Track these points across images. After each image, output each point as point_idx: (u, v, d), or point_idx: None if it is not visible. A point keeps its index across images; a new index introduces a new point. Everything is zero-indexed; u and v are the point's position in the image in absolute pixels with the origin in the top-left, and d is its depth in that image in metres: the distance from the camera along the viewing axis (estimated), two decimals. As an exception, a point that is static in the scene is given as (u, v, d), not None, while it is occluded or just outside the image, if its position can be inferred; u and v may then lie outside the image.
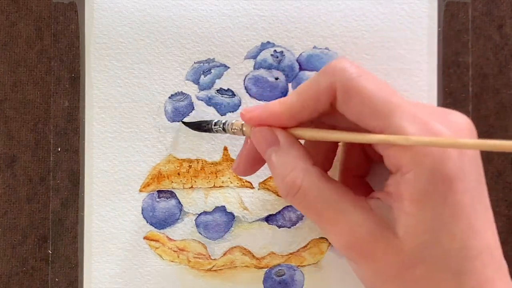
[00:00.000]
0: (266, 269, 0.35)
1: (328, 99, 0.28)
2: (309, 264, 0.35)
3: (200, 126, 0.34)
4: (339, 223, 0.27)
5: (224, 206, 0.35)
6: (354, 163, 0.32)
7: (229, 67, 0.35)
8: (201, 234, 0.35)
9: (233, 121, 0.31)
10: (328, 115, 0.29)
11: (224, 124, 0.32)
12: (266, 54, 0.35)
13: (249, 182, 0.35)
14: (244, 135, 0.31)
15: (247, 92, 0.35)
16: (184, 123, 0.35)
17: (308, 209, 0.28)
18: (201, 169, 0.35)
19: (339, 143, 0.33)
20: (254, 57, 0.35)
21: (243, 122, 0.31)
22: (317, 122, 0.30)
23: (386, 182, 0.28)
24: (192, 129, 0.34)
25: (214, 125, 0.32)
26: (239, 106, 0.35)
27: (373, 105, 0.26)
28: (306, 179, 0.28)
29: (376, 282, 0.28)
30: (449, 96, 0.35)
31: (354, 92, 0.27)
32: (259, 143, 0.30)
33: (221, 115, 0.35)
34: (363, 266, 0.27)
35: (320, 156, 0.32)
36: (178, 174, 0.35)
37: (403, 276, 0.26)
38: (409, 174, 0.25)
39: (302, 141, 0.30)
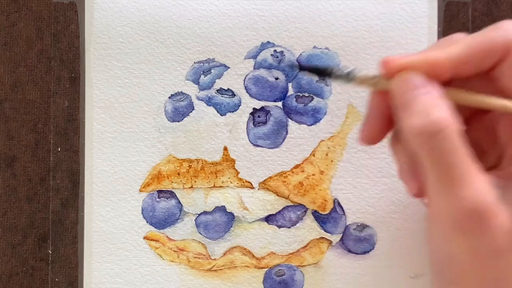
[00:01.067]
0: (266, 269, 0.35)
1: (498, 55, 0.25)
2: (309, 264, 0.35)
3: (321, 71, 0.29)
4: (467, 184, 0.24)
5: (224, 206, 0.35)
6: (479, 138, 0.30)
7: (229, 67, 0.35)
8: (201, 234, 0.35)
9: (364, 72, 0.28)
10: (479, 77, 0.26)
11: (350, 72, 0.28)
12: (266, 54, 0.35)
13: (249, 182, 0.35)
14: (374, 88, 0.27)
15: (247, 92, 0.35)
16: (301, 66, 0.32)
17: (440, 156, 0.25)
18: (201, 169, 0.35)
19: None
20: (254, 57, 0.35)
21: (376, 74, 0.27)
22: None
23: (500, 165, 0.26)
24: (310, 72, 0.31)
25: (337, 72, 0.28)
26: (239, 106, 0.35)
27: None
28: (452, 125, 0.24)
29: (475, 259, 0.25)
30: (449, 96, 0.35)
31: None
32: (404, 87, 0.26)
33: (221, 115, 0.35)
34: (474, 237, 0.25)
35: None
36: (178, 174, 0.35)
37: (500, 256, 0.25)
38: None
39: None
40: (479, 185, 0.25)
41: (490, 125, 0.29)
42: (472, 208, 0.24)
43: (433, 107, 0.25)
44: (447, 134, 0.25)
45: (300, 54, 0.35)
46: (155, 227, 0.35)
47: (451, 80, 0.27)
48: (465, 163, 0.25)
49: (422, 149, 0.25)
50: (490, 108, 0.27)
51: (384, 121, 0.28)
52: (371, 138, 0.29)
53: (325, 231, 0.35)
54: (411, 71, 0.26)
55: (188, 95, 0.35)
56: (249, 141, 0.35)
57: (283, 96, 0.35)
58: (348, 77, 0.28)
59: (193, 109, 0.35)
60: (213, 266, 0.35)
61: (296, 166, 0.35)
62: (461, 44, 0.26)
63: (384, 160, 0.35)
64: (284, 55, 0.35)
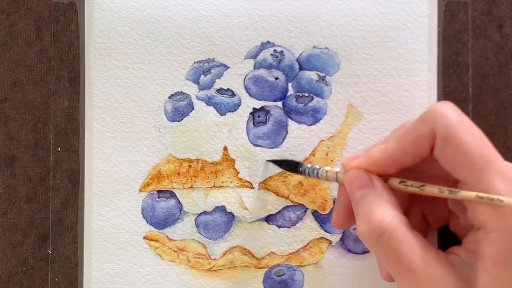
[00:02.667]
0: (266, 269, 0.35)
1: (429, 145, 0.27)
2: (309, 264, 0.35)
3: (288, 166, 0.34)
4: (420, 274, 0.26)
5: (224, 206, 0.35)
6: (433, 212, 0.32)
7: (229, 67, 0.35)
8: (201, 234, 0.35)
9: (328, 168, 0.31)
10: (422, 162, 0.29)
11: (317, 169, 0.32)
12: (266, 54, 0.35)
13: (249, 182, 0.35)
14: (338, 181, 0.31)
15: (247, 92, 0.35)
16: (268, 161, 0.35)
17: (389, 254, 0.27)
18: (201, 169, 0.35)
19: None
20: (254, 57, 0.35)
21: (337, 170, 0.31)
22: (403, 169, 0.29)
23: (466, 239, 0.28)
24: (277, 165, 0.34)
25: (304, 168, 0.33)
26: (239, 105, 0.35)
27: (468, 157, 0.26)
28: (393, 223, 0.27)
29: None
30: (449, 96, 0.35)
31: (452, 141, 0.26)
32: (352, 184, 0.29)
33: (221, 115, 0.35)
34: None
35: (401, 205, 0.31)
36: (178, 174, 0.35)
37: None
38: (494, 233, 0.25)
39: None
40: (434, 273, 0.26)
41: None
42: None
43: (373, 210, 0.28)
44: (389, 234, 0.27)
45: (300, 54, 0.35)
46: (155, 227, 0.35)
47: (401, 170, 0.29)
48: (414, 256, 0.26)
49: (373, 250, 0.28)
50: (425, 194, 0.28)
51: (351, 210, 0.30)
52: (341, 224, 0.31)
53: (325, 231, 0.35)
54: (356, 170, 0.30)
55: (188, 95, 0.35)
56: (249, 141, 0.35)
57: (283, 96, 0.35)
58: (317, 174, 0.32)
59: (193, 109, 0.35)
60: (213, 266, 0.35)
61: (296, 166, 0.35)
62: (394, 141, 0.29)
63: (384, 160, 0.35)
64: (284, 55, 0.35)
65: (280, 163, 0.34)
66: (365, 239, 0.28)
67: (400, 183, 0.29)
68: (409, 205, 0.32)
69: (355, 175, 0.29)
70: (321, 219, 0.35)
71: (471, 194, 0.26)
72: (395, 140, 0.29)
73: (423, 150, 0.28)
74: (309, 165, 0.32)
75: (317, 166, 0.32)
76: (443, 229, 0.33)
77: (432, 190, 0.28)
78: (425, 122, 0.27)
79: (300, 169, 0.33)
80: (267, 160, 0.35)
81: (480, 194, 0.26)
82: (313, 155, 0.35)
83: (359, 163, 0.30)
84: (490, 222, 0.25)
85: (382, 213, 0.27)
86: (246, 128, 0.35)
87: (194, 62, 0.35)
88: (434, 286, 0.26)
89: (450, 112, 0.27)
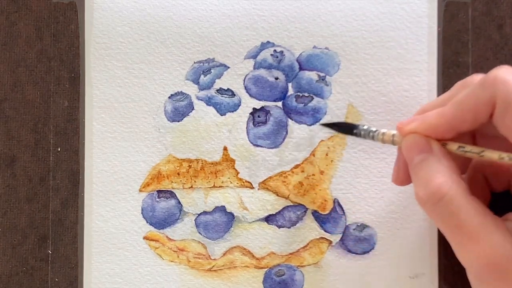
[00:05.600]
0: (266, 269, 0.35)
1: (489, 111, 0.27)
2: (309, 264, 0.35)
3: (342, 128, 0.33)
4: (480, 240, 0.26)
5: (224, 206, 0.35)
6: (495, 177, 0.32)
7: (229, 67, 0.35)
8: (201, 234, 0.35)
9: (384, 130, 0.31)
10: (482, 127, 0.28)
11: (373, 132, 0.31)
12: (266, 54, 0.35)
13: (249, 182, 0.35)
14: (394, 144, 0.31)
15: (247, 92, 0.35)
16: (322, 124, 0.34)
17: (448, 219, 0.27)
18: (201, 169, 0.35)
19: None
20: (254, 57, 0.35)
21: (394, 132, 0.30)
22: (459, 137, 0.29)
23: None
24: (334, 130, 0.33)
25: (360, 130, 0.31)
26: (239, 105, 0.35)
27: None
28: (453, 188, 0.27)
29: None
30: (449, 96, 0.35)
31: None
32: (410, 149, 0.29)
33: (221, 115, 0.35)
34: None
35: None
36: (178, 174, 0.35)
37: None
38: None
39: None
40: (493, 239, 0.26)
41: None
42: (490, 263, 0.26)
43: (432, 175, 0.27)
44: (448, 199, 0.27)
45: (300, 54, 0.35)
46: (155, 227, 0.35)
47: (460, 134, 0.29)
48: (474, 221, 0.26)
49: (431, 215, 0.28)
50: (485, 159, 0.28)
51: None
52: (401, 181, 0.31)
53: (325, 231, 0.35)
54: (414, 134, 0.29)
55: (188, 95, 0.35)
56: (249, 141, 0.35)
57: (283, 96, 0.35)
58: (373, 137, 0.31)
59: (193, 109, 0.35)
60: (213, 266, 0.35)
61: (296, 166, 0.35)
62: (452, 105, 0.28)
63: (384, 160, 0.35)
64: (284, 55, 0.35)
65: (333, 125, 0.33)
66: (424, 204, 0.28)
67: (458, 148, 0.28)
68: (470, 169, 0.32)
69: (413, 139, 0.29)
70: (321, 219, 0.35)
71: None
72: (453, 105, 0.28)
73: (482, 116, 0.27)
74: (365, 127, 0.31)
75: (373, 129, 0.31)
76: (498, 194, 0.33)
77: (492, 155, 0.27)
78: (485, 88, 0.27)
79: (356, 131, 0.31)
80: (320, 124, 0.34)
81: None
82: (313, 155, 0.35)
83: (415, 127, 0.29)
84: None
85: (441, 178, 0.27)
86: (246, 128, 0.35)
87: (194, 62, 0.35)
88: (492, 252, 0.26)
89: (511, 78, 0.26)
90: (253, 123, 0.35)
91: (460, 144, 0.28)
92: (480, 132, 0.30)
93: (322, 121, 0.34)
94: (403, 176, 0.31)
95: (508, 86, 0.26)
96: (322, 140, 0.35)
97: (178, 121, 0.35)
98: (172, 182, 0.35)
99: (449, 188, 0.27)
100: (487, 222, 0.26)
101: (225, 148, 0.35)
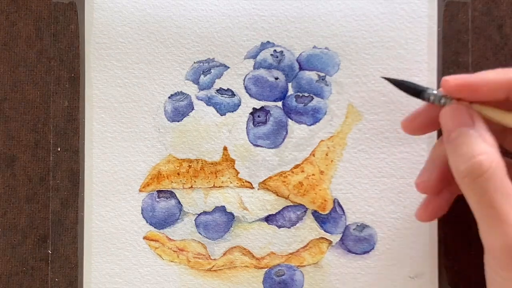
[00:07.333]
0: (266, 269, 0.35)
1: None
2: (309, 264, 0.35)
3: (408, 89, 0.31)
4: (510, 223, 0.26)
5: (224, 206, 0.35)
6: None
7: (229, 67, 0.35)
8: (201, 234, 0.35)
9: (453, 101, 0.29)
10: None
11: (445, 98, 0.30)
12: (266, 54, 0.35)
13: (249, 182, 0.35)
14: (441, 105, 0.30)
15: (247, 92, 0.35)
16: (385, 78, 0.32)
17: (484, 197, 0.26)
18: (200, 169, 0.35)
19: None
20: (254, 57, 0.35)
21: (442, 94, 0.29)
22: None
23: None
24: (395, 85, 0.32)
25: (429, 95, 0.30)
26: (239, 106, 0.35)
27: None
28: (493, 166, 0.26)
29: None
30: (449, 96, 0.35)
31: None
32: (451, 119, 0.28)
33: (221, 115, 0.35)
34: None
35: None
36: (178, 174, 0.35)
37: None
38: None
39: None
40: None
41: None
42: None
43: (475, 149, 0.27)
44: (489, 175, 0.26)
45: (300, 54, 0.35)
46: (155, 227, 0.35)
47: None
48: (508, 203, 0.26)
49: (467, 190, 0.27)
50: None
51: (429, 124, 0.30)
52: (411, 129, 0.31)
53: (325, 231, 0.35)
54: (457, 105, 0.28)
55: (188, 95, 0.35)
56: (249, 141, 0.35)
57: (283, 96, 0.35)
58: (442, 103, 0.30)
59: (192, 109, 0.35)
60: (213, 266, 0.35)
61: (296, 166, 0.35)
62: (496, 72, 0.28)
63: (384, 160, 0.35)
64: (284, 55, 0.35)
65: (399, 83, 0.31)
66: (462, 178, 0.27)
67: None
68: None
69: (455, 110, 0.28)
70: (321, 219, 0.35)
71: None
72: (497, 72, 0.28)
73: None
74: (435, 92, 0.30)
75: (441, 94, 0.30)
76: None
77: None
78: None
79: (425, 95, 0.30)
80: (384, 78, 0.32)
81: None
82: (313, 155, 0.35)
83: (462, 80, 0.28)
84: None
85: (484, 153, 0.27)
86: (246, 128, 0.35)
87: (194, 62, 0.35)
88: None
89: None
90: (253, 123, 0.35)
91: None
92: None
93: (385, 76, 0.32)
94: (418, 125, 0.31)
95: None
96: (322, 140, 0.35)
97: (178, 121, 0.35)
98: (172, 182, 0.35)
99: (490, 165, 0.26)
100: None
101: (225, 148, 0.35)
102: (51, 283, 0.35)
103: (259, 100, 0.35)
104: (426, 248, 0.35)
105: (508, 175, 0.27)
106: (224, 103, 0.35)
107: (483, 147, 0.27)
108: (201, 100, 0.35)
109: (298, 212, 0.35)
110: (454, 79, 0.29)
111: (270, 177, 0.35)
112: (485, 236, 0.27)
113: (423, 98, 0.30)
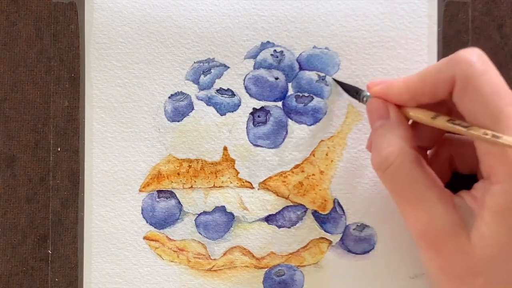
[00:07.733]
0: (266, 269, 0.35)
1: (448, 90, 0.28)
2: (309, 264, 0.35)
3: (347, 90, 0.34)
4: (418, 209, 0.27)
5: (224, 206, 0.35)
6: (461, 158, 0.32)
7: (229, 67, 0.35)
8: (201, 234, 0.35)
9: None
10: (448, 103, 0.29)
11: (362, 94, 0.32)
12: (266, 54, 0.35)
13: (249, 182, 0.35)
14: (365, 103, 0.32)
15: (247, 92, 0.35)
16: (334, 79, 0.35)
17: (393, 187, 0.29)
18: (201, 169, 0.35)
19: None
20: (254, 57, 0.35)
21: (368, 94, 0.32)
22: (436, 107, 0.30)
23: (475, 185, 0.28)
24: (339, 85, 0.34)
25: (363, 96, 0.32)
26: (239, 106, 0.35)
27: (483, 109, 0.26)
28: (400, 158, 0.28)
29: (439, 277, 0.28)
30: (449, 96, 0.35)
31: (470, 91, 0.26)
32: (371, 113, 0.31)
33: (221, 115, 0.35)
34: (429, 257, 0.28)
35: (425, 141, 0.32)
36: (178, 174, 0.35)
37: (464, 280, 0.26)
38: (498, 185, 0.26)
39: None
40: (432, 210, 0.27)
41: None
42: (424, 231, 0.27)
43: (384, 142, 0.29)
44: (395, 167, 0.28)
45: (300, 54, 0.35)
46: (155, 227, 0.35)
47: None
48: (417, 191, 0.27)
49: (381, 181, 0.29)
50: (443, 128, 0.28)
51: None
52: (369, 145, 0.32)
53: (325, 231, 0.35)
54: (376, 99, 0.30)
55: (188, 95, 0.35)
56: (249, 141, 0.35)
57: (283, 96, 0.35)
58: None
59: (193, 109, 0.35)
60: (213, 266, 0.35)
61: (296, 166, 0.35)
62: (417, 76, 0.29)
63: (384, 160, 0.35)
64: (284, 55, 0.35)
65: (341, 84, 0.34)
66: (376, 170, 0.29)
67: (448, 121, 0.28)
68: (438, 144, 0.32)
69: (374, 104, 0.30)
70: (321, 219, 0.35)
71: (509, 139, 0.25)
72: (418, 76, 0.29)
73: (442, 92, 0.28)
74: (368, 94, 0.32)
75: (368, 93, 0.32)
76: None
77: (476, 133, 0.27)
78: (449, 66, 0.27)
79: (360, 96, 0.32)
80: (333, 78, 0.35)
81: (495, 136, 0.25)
82: (313, 155, 0.35)
83: (380, 89, 0.30)
84: (495, 174, 0.26)
85: (391, 146, 0.28)
86: (246, 128, 0.35)
87: (194, 62, 0.35)
88: (431, 223, 0.27)
89: (475, 61, 0.26)
90: (253, 123, 0.35)
91: (450, 118, 0.28)
92: (445, 108, 0.30)
93: (335, 78, 0.35)
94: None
95: (469, 68, 0.26)
96: (322, 140, 0.35)
97: (178, 121, 0.35)
98: (172, 182, 0.35)
99: (396, 158, 0.28)
100: (430, 193, 0.27)
101: (225, 148, 0.35)
102: (51, 283, 0.35)
103: (259, 100, 0.35)
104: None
105: (425, 165, 0.28)
106: (224, 103, 0.35)
107: (391, 140, 0.28)
108: (201, 100, 0.35)
109: (298, 212, 0.35)
110: (373, 85, 0.31)
111: (270, 177, 0.35)
112: (405, 222, 0.29)
113: (359, 99, 0.32)
